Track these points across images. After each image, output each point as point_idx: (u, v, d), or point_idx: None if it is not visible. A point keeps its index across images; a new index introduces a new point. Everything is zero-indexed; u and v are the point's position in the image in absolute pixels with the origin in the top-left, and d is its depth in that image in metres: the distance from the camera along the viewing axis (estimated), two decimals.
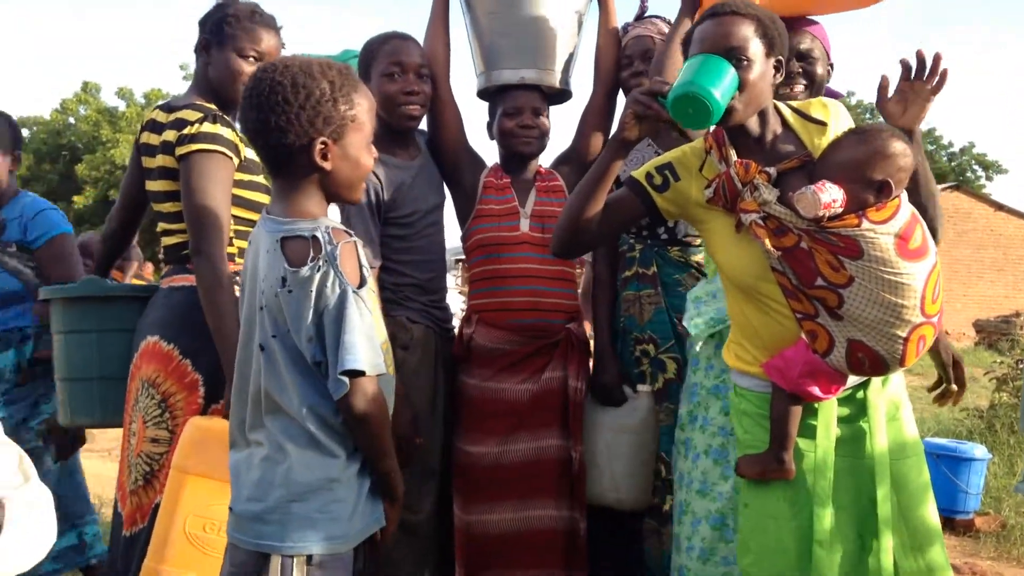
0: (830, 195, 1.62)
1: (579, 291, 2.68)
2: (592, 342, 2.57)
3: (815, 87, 2.27)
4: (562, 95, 2.65)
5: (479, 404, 2.44)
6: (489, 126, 2.61)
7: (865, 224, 1.62)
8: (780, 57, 1.77)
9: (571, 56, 2.62)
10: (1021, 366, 5.56)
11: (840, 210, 1.63)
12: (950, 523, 4.09)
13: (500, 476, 2.40)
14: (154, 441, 2.08)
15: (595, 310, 2.54)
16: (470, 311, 2.54)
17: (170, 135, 2.10)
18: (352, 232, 1.53)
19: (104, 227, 2.56)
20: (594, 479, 2.41)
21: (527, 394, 2.42)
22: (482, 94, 2.65)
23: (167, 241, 2.22)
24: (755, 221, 1.70)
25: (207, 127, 2.08)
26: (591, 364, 2.54)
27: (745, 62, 1.69)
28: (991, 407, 5.66)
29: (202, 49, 2.22)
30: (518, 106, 2.50)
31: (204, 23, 2.23)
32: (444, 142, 2.54)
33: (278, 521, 1.46)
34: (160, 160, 2.15)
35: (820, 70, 2.27)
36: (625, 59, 2.56)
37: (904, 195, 1.70)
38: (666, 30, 2.52)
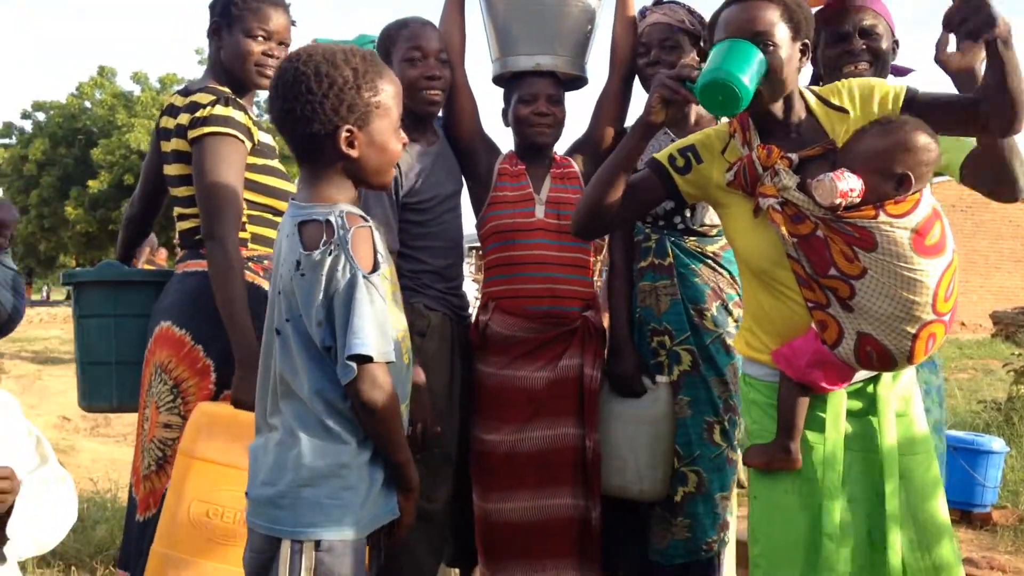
0: (848, 184, 1.60)
1: (598, 280, 2.66)
2: (609, 332, 2.55)
3: (880, 64, 2.20)
4: (578, 81, 2.63)
5: (496, 392, 2.44)
6: (504, 113, 2.59)
7: (882, 217, 1.61)
8: (806, 40, 1.75)
9: (587, 42, 2.60)
10: None
11: (857, 200, 1.61)
12: (967, 517, 4.05)
13: (516, 464, 2.40)
14: (167, 426, 2.09)
15: (612, 300, 2.52)
16: (486, 298, 2.53)
17: (184, 118, 2.11)
18: (368, 217, 1.53)
19: (125, 211, 2.57)
20: (617, 470, 2.40)
21: (543, 381, 2.42)
22: (497, 80, 2.63)
23: (182, 226, 2.23)
24: (773, 206, 1.68)
25: (219, 110, 2.08)
26: (607, 353, 2.52)
27: (772, 47, 1.67)
28: (1009, 400, 5.59)
29: (213, 33, 2.23)
30: (533, 93, 2.48)
31: (213, 7, 2.24)
32: (459, 128, 2.52)
33: (289, 506, 1.46)
34: (174, 143, 2.15)
35: (884, 45, 2.20)
36: (641, 47, 2.51)
37: (927, 189, 1.67)
38: (685, 17, 2.47)
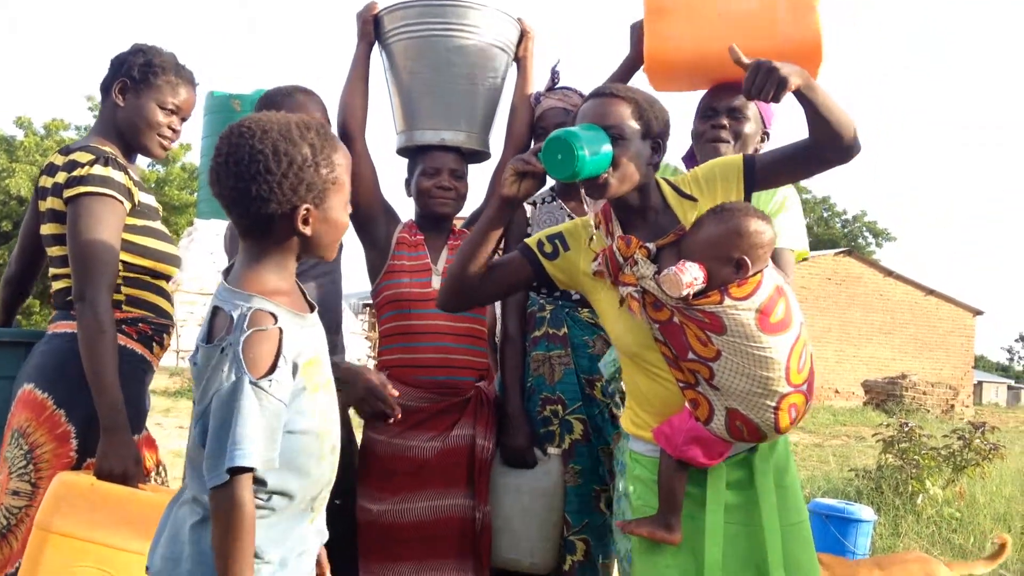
0: (691, 274, 1.69)
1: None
2: (502, 402, 2.56)
3: (740, 144, 2.31)
4: (481, 154, 2.69)
5: (385, 461, 2.41)
6: (407, 183, 2.62)
7: (727, 301, 1.69)
8: (658, 140, 1.85)
9: (492, 118, 2.67)
10: (906, 429, 5.81)
11: (703, 287, 1.70)
12: None
13: (400, 534, 2.36)
14: (15, 494, 1.99)
15: (505, 371, 2.54)
16: (380, 367, 2.51)
17: (61, 177, 2.06)
18: (279, 316, 1.43)
19: (4, 271, 2.46)
20: (509, 544, 2.40)
21: (433, 451, 2.40)
22: (402, 151, 2.66)
23: (56, 286, 2.16)
24: (631, 294, 1.76)
25: (97, 170, 2.04)
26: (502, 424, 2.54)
27: (620, 140, 1.78)
28: (878, 468, 5.89)
29: (117, 91, 2.18)
30: (437, 167, 2.52)
31: (121, 64, 2.20)
32: (358, 196, 2.51)
33: None
34: (50, 203, 2.10)
35: (748, 129, 2.32)
36: (540, 130, 2.62)
37: (768, 269, 1.77)
38: (578, 102, 2.58)
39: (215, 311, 1.42)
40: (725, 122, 2.30)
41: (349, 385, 2.24)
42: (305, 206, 1.44)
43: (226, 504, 1.33)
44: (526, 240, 1.98)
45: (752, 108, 2.33)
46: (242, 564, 1.34)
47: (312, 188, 1.45)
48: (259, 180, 1.40)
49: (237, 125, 1.45)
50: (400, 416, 2.32)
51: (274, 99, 2.40)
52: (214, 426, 1.35)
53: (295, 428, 1.43)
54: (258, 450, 1.34)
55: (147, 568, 1.46)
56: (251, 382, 1.35)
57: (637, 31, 2.44)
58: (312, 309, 1.55)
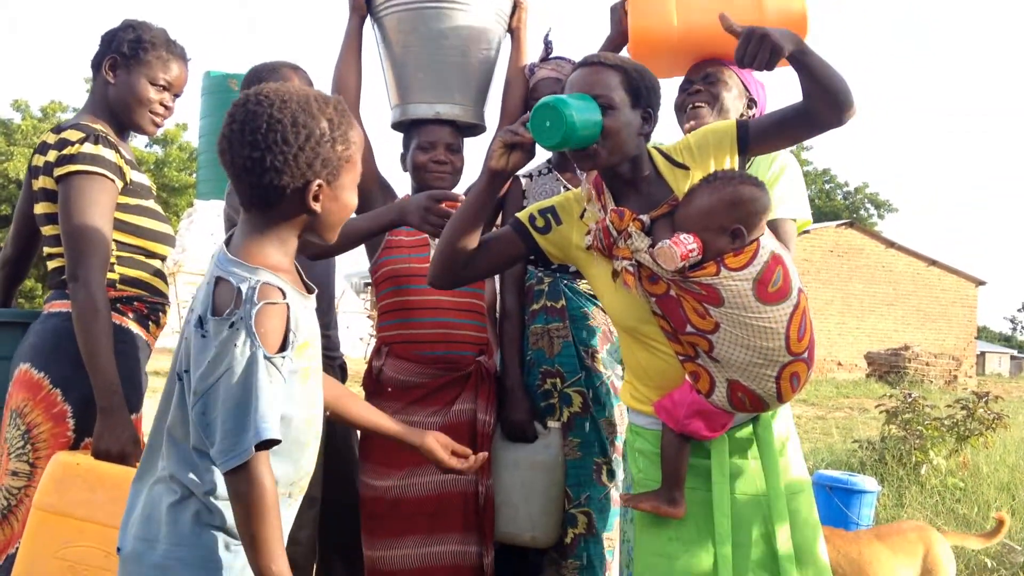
0: (686, 247, 1.65)
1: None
2: (501, 377, 2.55)
3: (718, 109, 2.28)
4: (476, 128, 2.66)
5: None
6: (403, 158, 2.60)
7: (723, 272, 1.66)
8: (649, 109, 1.80)
9: (486, 90, 2.64)
10: (909, 400, 5.80)
11: (699, 258, 1.67)
12: None
13: (404, 510, 2.36)
14: (14, 474, 1.99)
15: (504, 345, 2.53)
16: (380, 343, 2.50)
17: (52, 156, 2.05)
18: (287, 292, 1.40)
19: (1, 253, 2.45)
20: (508, 518, 2.39)
21: (435, 426, 2.39)
22: (396, 126, 2.64)
23: (50, 265, 2.15)
24: (626, 268, 1.73)
25: (88, 148, 2.02)
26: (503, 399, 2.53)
27: (610, 110, 1.73)
28: (882, 439, 5.89)
29: (108, 68, 2.16)
30: (432, 141, 2.50)
31: (111, 41, 2.17)
32: None
33: (168, 569, 1.36)
34: (42, 181, 2.08)
35: (725, 94, 2.29)
36: (534, 102, 2.57)
37: (764, 237, 1.73)
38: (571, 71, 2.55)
39: (218, 281, 1.38)
40: (700, 88, 2.28)
41: (409, 213, 2.18)
42: (318, 181, 1.41)
43: (246, 484, 1.30)
44: (517, 214, 1.94)
45: (730, 74, 2.30)
46: (273, 544, 1.31)
47: (327, 164, 1.41)
48: (275, 150, 1.36)
49: (254, 93, 1.40)
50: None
51: (260, 74, 2.39)
52: (229, 405, 1.30)
53: (284, 413, 1.39)
54: (276, 425, 1.31)
55: (118, 549, 1.43)
56: (265, 356, 1.31)
57: (618, 11, 2.42)
58: (311, 292, 1.52)
